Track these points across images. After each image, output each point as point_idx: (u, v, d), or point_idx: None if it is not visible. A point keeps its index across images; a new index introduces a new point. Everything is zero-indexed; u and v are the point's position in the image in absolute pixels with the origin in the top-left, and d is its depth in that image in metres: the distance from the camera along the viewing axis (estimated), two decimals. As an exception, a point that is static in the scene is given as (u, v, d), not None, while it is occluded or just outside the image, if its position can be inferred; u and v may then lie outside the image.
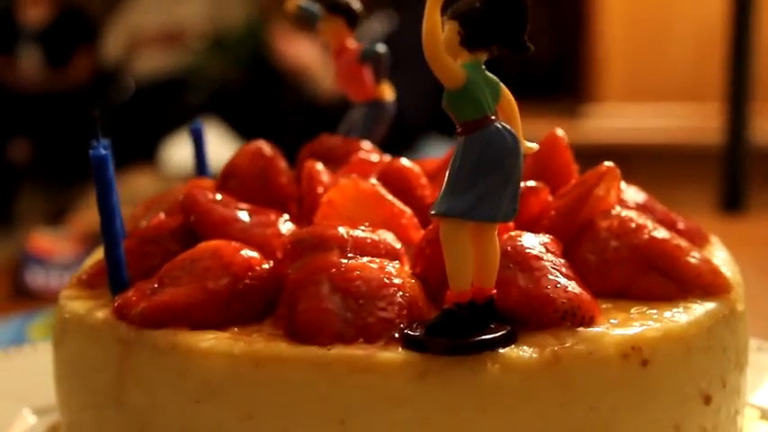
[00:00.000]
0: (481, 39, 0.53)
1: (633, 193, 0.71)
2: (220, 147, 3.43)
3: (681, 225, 0.70)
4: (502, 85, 0.55)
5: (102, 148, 0.63)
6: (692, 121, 2.65)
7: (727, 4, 2.11)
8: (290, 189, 0.74)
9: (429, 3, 0.52)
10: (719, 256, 0.69)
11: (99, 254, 0.74)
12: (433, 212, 0.54)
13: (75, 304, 0.65)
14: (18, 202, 5.05)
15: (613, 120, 2.77)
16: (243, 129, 3.55)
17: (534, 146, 0.57)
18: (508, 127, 0.54)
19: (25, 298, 1.68)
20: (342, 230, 0.60)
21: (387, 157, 0.77)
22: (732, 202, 2.09)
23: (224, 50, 4.88)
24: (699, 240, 0.70)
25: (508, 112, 0.55)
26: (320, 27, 0.83)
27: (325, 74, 3.13)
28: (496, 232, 0.55)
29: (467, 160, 0.53)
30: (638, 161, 2.35)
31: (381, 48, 0.82)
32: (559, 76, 3.53)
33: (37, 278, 1.74)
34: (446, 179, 0.53)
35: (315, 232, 0.60)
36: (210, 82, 4.67)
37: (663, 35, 2.87)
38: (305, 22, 0.85)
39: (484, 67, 0.54)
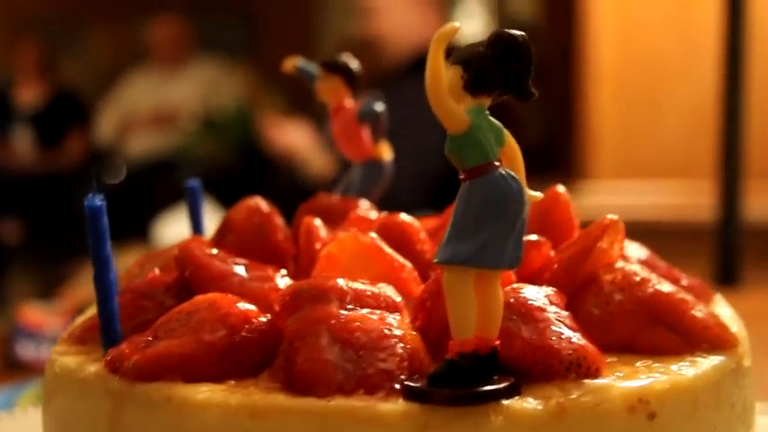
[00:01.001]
0: (485, 84, 0.52)
1: (636, 250, 0.70)
2: (212, 225, 3.42)
3: (684, 281, 0.69)
4: (506, 131, 0.54)
5: (97, 200, 0.62)
6: (685, 197, 2.65)
7: (718, 82, 2.12)
8: (287, 246, 0.73)
9: (433, 47, 0.51)
10: (724, 313, 0.68)
11: (91, 311, 0.73)
12: (436, 260, 0.52)
13: (66, 359, 0.64)
14: (8, 281, 5.02)
15: (605, 197, 2.78)
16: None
17: (538, 194, 0.56)
18: (512, 173, 0.53)
19: (15, 370, 1.66)
20: (341, 282, 0.59)
21: (384, 215, 0.76)
22: (726, 276, 2.08)
23: (215, 132, 4.91)
24: (703, 296, 0.68)
25: (512, 159, 0.54)
26: (318, 87, 0.83)
27: (315, 157, 3.13)
28: (500, 281, 0.54)
29: (470, 206, 0.52)
30: (631, 238, 2.33)
31: (379, 107, 0.81)
32: (551, 154, 3.54)
33: (28, 351, 1.71)
34: (449, 226, 0.52)
35: (314, 284, 0.59)
36: (202, 163, 4.69)
37: (654, 112, 2.90)
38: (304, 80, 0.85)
39: (488, 112, 0.53)
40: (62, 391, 0.62)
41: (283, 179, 3.49)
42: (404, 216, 0.70)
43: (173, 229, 3.40)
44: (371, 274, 0.63)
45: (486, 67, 0.52)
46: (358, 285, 0.59)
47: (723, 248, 2.13)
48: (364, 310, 0.57)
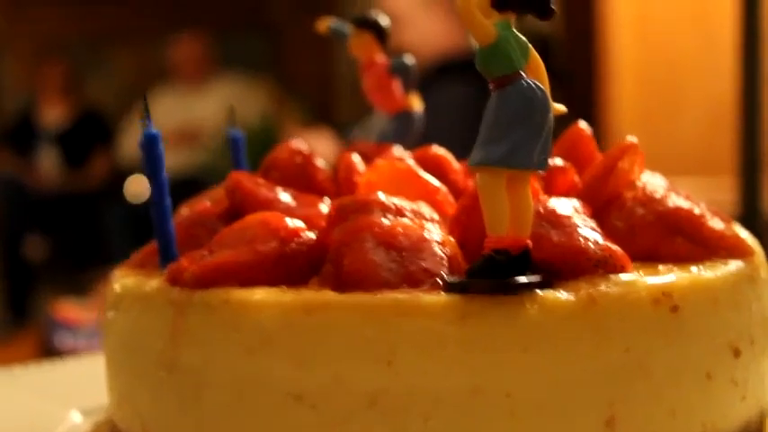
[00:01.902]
0: (509, 0, 0.57)
1: (657, 178, 0.74)
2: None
3: (703, 205, 0.73)
4: (530, 46, 0.59)
5: (152, 128, 0.67)
6: (705, 194, 2.67)
7: (736, 80, 2.16)
8: (327, 184, 0.78)
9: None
10: (742, 232, 0.72)
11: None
12: (470, 162, 0.57)
13: (127, 279, 0.68)
14: (34, 298, 5.09)
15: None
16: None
17: (561, 107, 0.61)
18: (538, 83, 0.58)
19: (54, 359, 1.70)
20: (382, 196, 0.64)
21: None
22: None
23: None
24: (722, 218, 0.73)
25: (536, 71, 0.59)
26: (350, 43, 0.87)
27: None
28: (529, 184, 0.59)
29: (500, 113, 0.57)
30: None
31: (410, 60, 0.86)
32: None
33: (65, 341, 1.76)
34: (481, 131, 0.57)
35: (357, 198, 0.64)
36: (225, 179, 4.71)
37: (674, 110, 2.93)
38: (336, 38, 0.90)
39: (513, 28, 0.58)
40: (124, 307, 0.67)
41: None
42: (438, 149, 0.75)
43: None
44: (408, 196, 0.67)
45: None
46: (397, 200, 0.64)
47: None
48: (405, 220, 0.62)
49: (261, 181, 0.72)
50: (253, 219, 0.65)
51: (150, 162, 0.66)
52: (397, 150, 0.79)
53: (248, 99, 5.28)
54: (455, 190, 0.72)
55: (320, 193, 0.77)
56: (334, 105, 5.89)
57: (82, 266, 4.87)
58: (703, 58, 2.88)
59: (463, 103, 2.69)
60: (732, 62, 2.30)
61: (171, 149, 5.20)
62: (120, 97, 5.94)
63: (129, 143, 5.37)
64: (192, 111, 5.22)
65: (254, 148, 3.47)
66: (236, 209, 0.70)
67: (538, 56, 0.59)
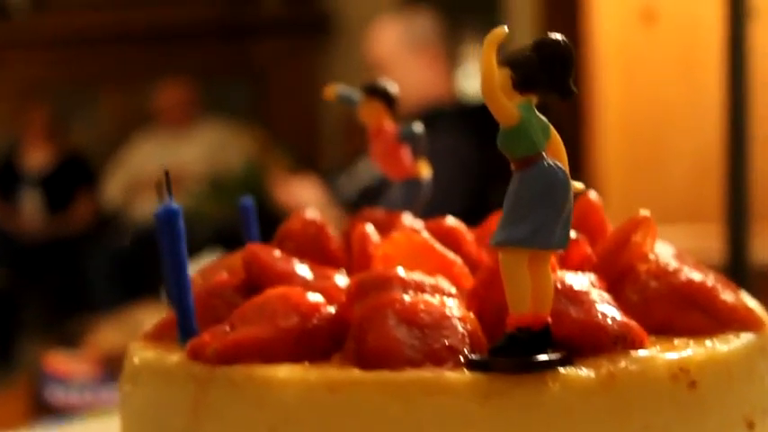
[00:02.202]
0: (531, 83, 0.59)
1: (665, 247, 0.76)
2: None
3: (711, 274, 0.74)
4: (551, 125, 0.60)
5: (174, 203, 0.68)
6: (692, 242, 2.71)
7: (723, 129, 2.19)
8: (339, 254, 0.79)
9: (485, 48, 0.58)
10: (749, 301, 0.73)
11: (161, 316, 0.79)
12: (492, 242, 0.58)
13: (146, 353, 0.69)
14: (20, 343, 5.07)
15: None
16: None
17: (581, 185, 0.62)
18: (558, 163, 0.59)
19: (45, 414, 1.70)
20: (402, 272, 0.65)
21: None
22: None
23: (223, 193, 4.97)
24: (729, 287, 0.74)
25: (556, 151, 0.61)
26: (360, 111, 0.89)
27: (325, 214, 3.18)
28: (550, 262, 0.60)
29: (522, 194, 0.58)
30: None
31: (418, 128, 0.88)
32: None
33: (57, 395, 1.76)
34: (503, 212, 0.58)
35: (377, 274, 0.65)
36: (211, 223, 4.75)
37: (660, 160, 2.96)
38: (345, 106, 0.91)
39: (535, 109, 0.59)
40: (143, 381, 0.68)
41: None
42: (451, 220, 0.76)
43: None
44: (425, 270, 0.68)
45: (531, 69, 0.59)
46: (416, 275, 0.65)
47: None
48: (425, 296, 0.63)
49: (277, 253, 0.73)
50: (273, 294, 0.66)
51: (171, 238, 0.67)
52: (410, 220, 0.80)
53: (232, 144, 5.31)
54: (469, 261, 0.73)
55: (333, 262, 0.78)
56: (319, 151, 5.92)
57: (65, 311, 4.86)
58: (690, 107, 2.92)
59: (452, 153, 2.71)
60: (718, 111, 2.33)
61: (154, 194, 5.23)
62: (104, 141, 5.95)
63: (113, 188, 5.37)
64: (175, 155, 5.24)
65: (237, 195, 3.47)
66: (254, 281, 0.71)
67: (557, 135, 0.61)
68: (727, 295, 0.68)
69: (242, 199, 0.87)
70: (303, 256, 0.76)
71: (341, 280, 0.72)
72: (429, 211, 0.89)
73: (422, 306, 0.61)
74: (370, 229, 0.76)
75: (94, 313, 4.55)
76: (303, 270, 0.71)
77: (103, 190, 5.45)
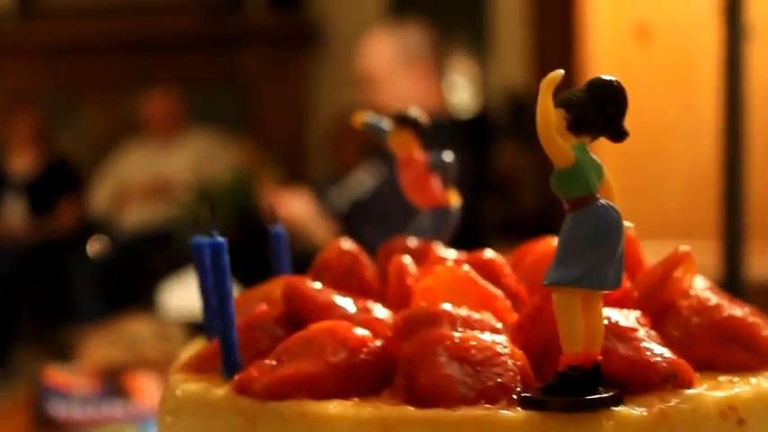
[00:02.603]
0: (585, 124, 0.59)
1: (700, 280, 0.76)
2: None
3: (747, 308, 0.75)
4: (603, 166, 0.61)
5: (219, 236, 0.68)
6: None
7: (718, 144, 2.20)
8: (375, 284, 0.79)
9: (542, 90, 0.58)
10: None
11: (194, 347, 0.79)
12: (546, 282, 0.59)
13: (189, 385, 0.69)
14: (11, 351, 5.06)
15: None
16: (236, 279, 3.59)
17: (630, 225, 0.63)
18: (612, 204, 0.60)
19: (47, 428, 1.70)
20: (449, 308, 0.65)
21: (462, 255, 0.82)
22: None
23: (210, 202, 4.97)
24: (763, 320, 0.75)
25: (608, 191, 0.61)
26: (390, 140, 0.89)
27: (317, 226, 3.18)
28: (602, 301, 0.60)
29: (576, 235, 0.59)
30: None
31: (448, 157, 0.88)
32: (548, 220, 3.61)
33: (59, 409, 1.76)
34: (557, 251, 0.59)
35: (425, 310, 0.65)
36: (199, 233, 4.72)
37: (654, 175, 2.98)
38: (373, 136, 0.92)
39: (588, 149, 0.60)
40: (186, 414, 0.68)
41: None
42: (489, 252, 0.77)
43: (177, 295, 3.44)
44: (468, 304, 0.69)
45: (585, 110, 0.59)
46: (464, 311, 0.66)
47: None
48: (474, 332, 0.63)
49: (317, 285, 0.73)
50: (319, 328, 0.66)
51: (216, 272, 0.67)
52: (447, 251, 0.80)
53: (219, 154, 5.31)
54: (509, 294, 0.73)
55: (369, 292, 0.78)
56: (307, 161, 5.92)
57: (51, 319, 4.85)
58: (684, 123, 2.93)
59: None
60: (713, 127, 2.35)
61: (142, 203, 5.22)
62: (90, 149, 5.94)
63: (99, 197, 5.35)
64: (163, 164, 5.23)
65: (225, 205, 3.50)
66: (295, 314, 0.71)
67: (609, 176, 0.61)
68: (768, 331, 0.69)
69: (273, 228, 0.87)
70: (339, 286, 0.77)
71: (381, 312, 0.72)
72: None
73: (473, 342, 0.62)
74: (407, 260, 0.76)
75: (80, 322, 4.54)
76: (344, 302, 0.72)
77: (90, 198, 5.44)
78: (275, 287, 0.78)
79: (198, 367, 0.72)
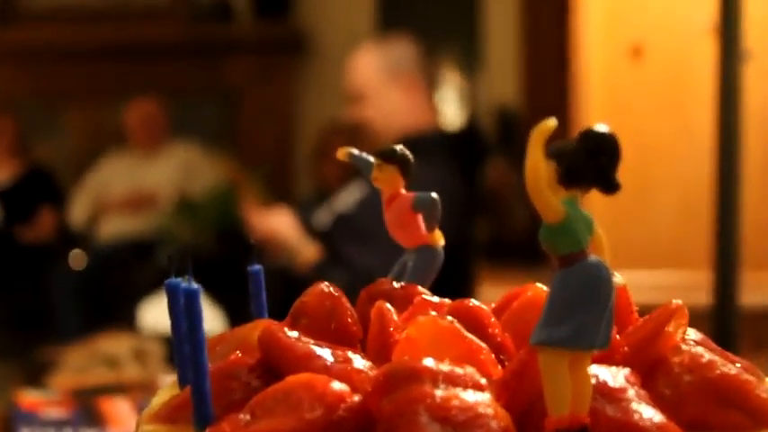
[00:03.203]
0: (577, 177, 0.58)
1: (692, 332, 0.75)
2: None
3: (738, 363, 0.74)
4: (593, 220, 0.59)
5: (193, 283, 0.66)
6: (678, 286, 2.71)
7: (713, 172, 2.20)
8: (355, 329, 0.77)
9: (532, 142, 0.57)
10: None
11: (167, 392, 0.77)
12: (532, 342, 0.57)
13: (160, 438, 0.68)
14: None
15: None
16: (217, 293, 3.57)
17: (621, 279, 0.62)
18: (602, 260, 0.58)
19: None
20: (431, 363, 0.63)
21: (445, 300, 0.80)
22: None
23: (193, 215, 4.96)
24: (757, 376, 0.73)
25: (598, 246, 0.60)
26: (374, 175, 0.88)
27: (301, 244, 3.16)
28: (589, 361, 0.59)
29: (564, 292, 0.58)
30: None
31: (434, 195, 0.87)
32: (538, 244, 3.60)
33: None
34: (544, 310, 0.58)
35: (406, 365, 0.64)
36: (180, 246, 4.74)
37: (645, 200, 2.97)
38: (357, 168, 0.90)
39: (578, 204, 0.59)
40: (157, 470, 0.66)
41: (267, 263, 3.51)
42: (474, 301, 0.76)
43: (156, 312, 3.43)
44: (451, 357, 0.67)
45: (577, 162, 0.58)
46: (446, 366, 0.64)
47: (721, 336, 2.19)
48: (456, 390, 0.62)
49: (295, 334, 0.72)
50: (296, 382, 0.64)
51: (191, 319, 0.65)
52: (433, 298, 0.79)
53: (203, 166, 5.29)
54: (494, 345, 0.72)
55: (349, 338, 0.77)
56: (293, 173, 5.90)
57: (26, 333, 4.82)
58: (677, 146, 2.93)
59: (440, 187, 2.71)
60: (707, 150, 2.34)
61: (122, 214, 5.19)
62: (70, 159, 5.91)
63: (78, 210, 5.33)
64: (144, 176, 5.21)
65: (207, 218, 3.48)
66: (271, 363, 0.70)
67: (599, 230, 0.60)
68: (763, 391, 0.67)
69: (250, 266, 0.85)
70: (318, 331, 0.75)
71: (360, 362, 0.70)
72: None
73: (455, 402, 0.60)
74: (389, 307, 0.75)
75: (57, 336, 4.52)
76: (323, 353, 0.70)
77: (68, 210, 5.41)
78: (251, 330, 0.77)
79: (169, 417, 0.70)
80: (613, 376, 0.64)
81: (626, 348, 0.69)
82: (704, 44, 2.75)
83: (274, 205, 3.21)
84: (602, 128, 0.59)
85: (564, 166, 0.58)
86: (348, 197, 3.19)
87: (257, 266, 0.86)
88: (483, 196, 3.76)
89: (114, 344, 3.06)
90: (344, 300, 0.79)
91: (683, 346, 0.69)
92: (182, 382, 0.75)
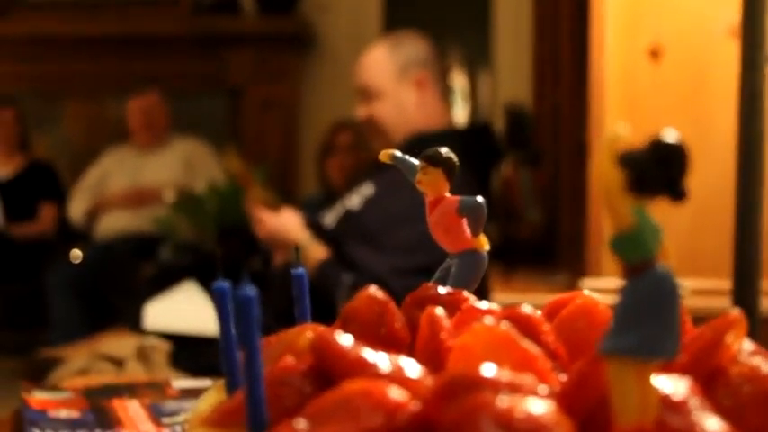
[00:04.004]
0: (646, 185, 0.59)
1: (747, 343, 0.76)
2: (196, 309, 3.46)
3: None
4: (662, 229, 0.60)
5: (249, 290, 0.67)
6: (695, 293, 2.69)
7: (731, 174, 2.20)
8: (404, 334, 0.78)
9: (603, 149, 0.57)
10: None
11: (212, 396, 0.78)
12: (602, 350, 0.58)
13: (214, 443, 0.68)
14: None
15: (611, 296, 2.81)
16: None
17: (687, 288, 0.62)
18: (669, 269, 0.59)
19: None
20: (492, 371, 0.64)
21: (493, 306, 0.81)
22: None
23: (194, 212, 4.96)
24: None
25: (666, 255, 0.61)
26: (418, 179, 0.88)
27: (308, 243, 3.16)
28: (656, 370, 0.60)
29: (633, 301, 0.58)
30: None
31: (480, 199, 0.87)
32: (551, 248, 3.61)
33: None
34: (613, 319, 0.58)
35: (467, 373, 0.64)
36: (181, 243, 4.74)
37: (663, 205, 2.97)
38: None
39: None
40: (211, 474, 0.67)
41: (274, 264, 3.53)
42: (526, 307, 0.76)
43: (158, 312, 3.43)
44: (507, 364, 0.68)
45: (647, 170, 0.59)
46: (507, 374, 0.65)
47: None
48: (518, 398, 0.62)
49: (349, 339, 0.72)
50: (353, 389, 0.65)
51: (246, 325, 0.66)
52: (483, 304, 0.79)
53: (206, 162, 5.29)
54: (548, 352, 0.72)
55: (397, 343, 0.77)
56: (297, 172, 5.90)
57: (24, 330, 4.82)
58: (695, 149, 2.92)
59: (454, 185, 2.72)
60: (726, 154, 2.34)
61: (123, 210, 5.20)
62: (70, 154, 5.91)
63: (77, 207, 5.33)
64: (145, 171, 5.21)
65: (210, 215, 3.46)
66: (324, 369, 0.70)
67: (666, 238, 0.61)
68: (823, 401, 0.68)
69: (296, 270, 0.86)
70: (367, 336, 0.76)
71: (414, 369, 0.71)
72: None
73: (518, 411, 0.61)
74: (440, 312, 0.75)
75: (56, 335, 4.52)
76: (377, 359, 0.70)
77: (68, 207, 5.42)
78: (298, 335, 0.78)
79: (221, 422, 0.71)
80: (676, 386, 0.64)
81: (684, 358, 0.70)
82: (724, 46, 2.75)
83: (278, 202, 3.21)
84: (671, 137, 0.60)
85: (634, 175, 0.59)
86: (357, 197, 3.19)
87: (301, 270, 0.86)
88: (494, 198, 3.77)
89: (117, 344, 3.07)
90: (393, 305, 0.80)
91: (741, 357, 0.70)
92: (230, 387, 0.76)
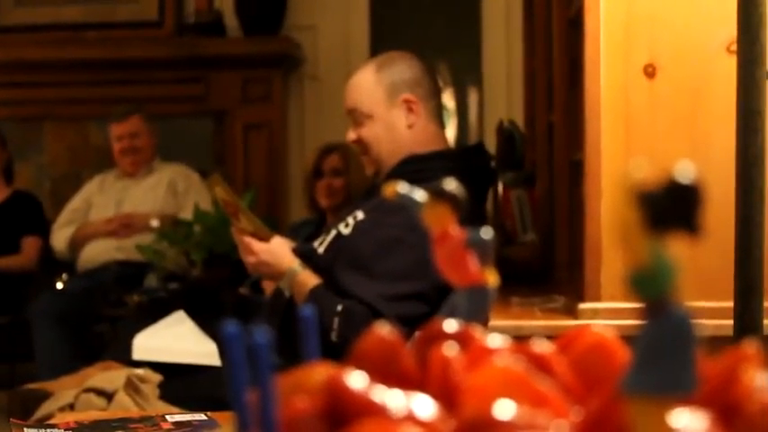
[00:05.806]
0: (662, 221, 0.60)
1: (761, 375, 0.77)
2: (186, 338, 3.46)
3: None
4: (679, 265, 0.61)
5: (262, 337, 0.68)
6: (697, 313, 2.69)
7: (728, 192, 2.21)
8: (414, 373, 0.79)
9: (621, 187, 0.59)
10: None
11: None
12: (623, 389, 0.59)
13: (227, 490, 0.69)
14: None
15: (609, 320, 2.82)
16: (206, 317, 3.58)
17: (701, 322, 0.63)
18: (685, 305, 0.60)
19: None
20: (509, 412, 0.65)
21: (504, 341, 0.82)
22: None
23: (180, 239, 4.97)
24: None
25: (679, 290, 0.62)
26: (424, 213, 0.89)
27: (297, 269, 3.16)
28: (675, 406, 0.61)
29: (653, 339, 0.60)
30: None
31: (487, 234, 0.88)
32: (547, 273, 3.62)
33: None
34: (634, 357, 0.59)
35: (483, 416, 0.65)
36: (168, 271, 4.74)
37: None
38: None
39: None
40: None
41: (264, 292, 3.53)
42: (538, 343, 0.77)
43: (149, 342, 3.43)
44: (523, 403, 0.69)
45: (663, 207, 0.60)
46: (522, 416, 0.66)
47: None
48: (537, 439, 0.63)
49: (363, 380, 0.73)
50: (368, 431, 0.66)
51: (261, 373, 0.67)
52: (494, 340, 0.80)
53: (191, 188, 5.29)
54: (562, 390, 0.73)
55: (408, 381, 0.78)
56: (284, 196, 5.91)
57: (8, 362, 4.82)
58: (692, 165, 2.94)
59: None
60: (723, 172, 2.36)
61: (107, 239, 5.19)
62: (54, 180, 5.91)
63: (61, 237, 5.32)
64: (131, 198, 5.22)
65: (197, 241, 3.47)
66: (338, 411, 0.71)
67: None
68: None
69: (303, 309, 0.86)
70: (378, 376, 0.76)
71: (427, 408, 0.72)
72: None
73: (537, 452, 0.62)
74: (452, 352, 0.76)
75: (42, 367, 4.51)
76: (392, 400, 0.71)
77: (51, 238, 5.41)
78: (308, 375, 0.78)
79: (235, 467, 0.72)
80: (695, 423, 0.65)
81: (702, 393, 0.71)
82: (721, 63, 2.78)
83: (267, 230, 3.22)
84: (687, 176, 0.61)
85: (651, 214, 0.60)
86: (348, 223, 3.20)
87: (309, 311, 0.87)
88: (487, 220, 3.79)
89: (106, 376, 3.07)
90: (404, 344, 0.80)
91: (758, 393, 0.71)
92: (241, 429, 0.77)
